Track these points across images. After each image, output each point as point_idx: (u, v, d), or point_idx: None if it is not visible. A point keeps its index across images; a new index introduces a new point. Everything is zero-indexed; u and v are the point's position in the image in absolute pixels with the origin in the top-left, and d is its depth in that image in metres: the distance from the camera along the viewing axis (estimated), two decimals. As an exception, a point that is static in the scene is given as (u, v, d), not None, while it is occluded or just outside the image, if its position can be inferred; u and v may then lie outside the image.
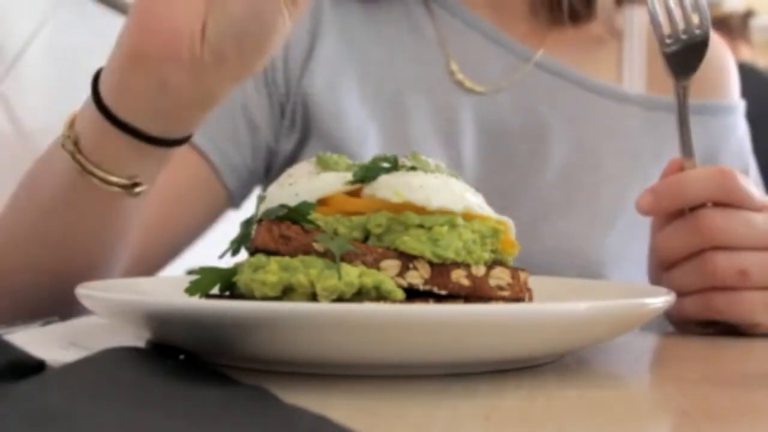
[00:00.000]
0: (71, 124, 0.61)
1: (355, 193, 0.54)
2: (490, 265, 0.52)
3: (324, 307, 0.44)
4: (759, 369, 0.53)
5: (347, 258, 0.49)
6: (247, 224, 0.56)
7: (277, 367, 0.47)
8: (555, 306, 0.48)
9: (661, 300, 0.51)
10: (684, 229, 0.65)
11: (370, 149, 0.86)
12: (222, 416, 0.34)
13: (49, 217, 0.64)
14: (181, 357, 0.46)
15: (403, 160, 0.55)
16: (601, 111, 0.92)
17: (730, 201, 0.65)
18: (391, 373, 0.46)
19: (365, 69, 0.91)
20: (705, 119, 0.92)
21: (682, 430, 0.40)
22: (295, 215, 0.51)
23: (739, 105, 0.97)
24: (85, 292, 0.51)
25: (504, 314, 0.45)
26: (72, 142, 0.60)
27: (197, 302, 0.48)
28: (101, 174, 0.60)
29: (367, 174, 0.53)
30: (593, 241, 0.87)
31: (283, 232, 0.50)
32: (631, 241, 0.85)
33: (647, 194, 0.67)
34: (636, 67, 0.95)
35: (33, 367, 0.40)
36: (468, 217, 0.52)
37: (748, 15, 3.27)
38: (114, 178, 0.60)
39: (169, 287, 0.61)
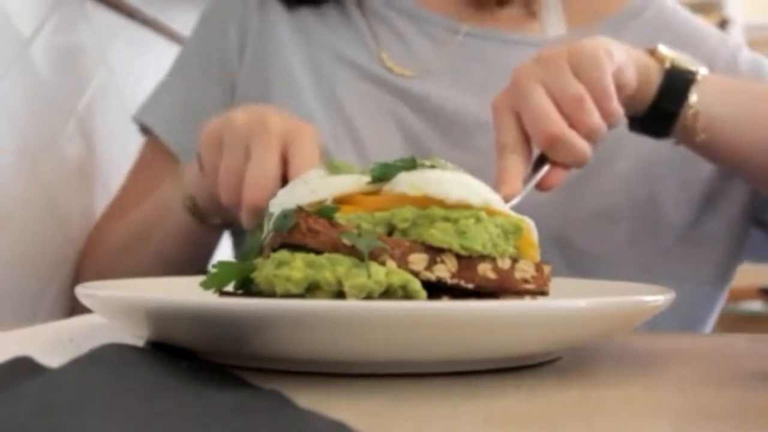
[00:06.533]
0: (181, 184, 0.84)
1: (373, 194, 0.54)
2: (515, 259, 0.52)
3: (324, 304, 0.44)
4: (759, 369, 0.53)
5: (374, 253, 0.48)
6: (253, 234, 0.55)
7: (275, 365, 0.47)
8: (554, 303, 0.47)
9: (660, 298, 0.51)
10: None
11: None
12: (236, 419, 0.34)
13: (170, 247, 0.89)
14: (182, 361, 0.46)
15: (423, 161, 0.55)
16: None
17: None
18: (391, 372, 0.46)
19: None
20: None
21: (682, 430, 0.40)
22: (320, 216, 0.50)
23: None
24: (85, 291, 0.51)
25: (503, 311, 0.45)
26: (191, 201, 0.83)
27: (197, 300, 0.48)
28: (215, 220, 0.84)
29: (387, 172, 0.53)
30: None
31: (311, 225, 0.49)
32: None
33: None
34: (552, 10, 0.96)
35: (31, 368, 0.40)
36: (489, 212, 0.52)
37: (723, 23, 3.27)
38: (220, 221, 0.85)
39: (168, 288, 0.62)
